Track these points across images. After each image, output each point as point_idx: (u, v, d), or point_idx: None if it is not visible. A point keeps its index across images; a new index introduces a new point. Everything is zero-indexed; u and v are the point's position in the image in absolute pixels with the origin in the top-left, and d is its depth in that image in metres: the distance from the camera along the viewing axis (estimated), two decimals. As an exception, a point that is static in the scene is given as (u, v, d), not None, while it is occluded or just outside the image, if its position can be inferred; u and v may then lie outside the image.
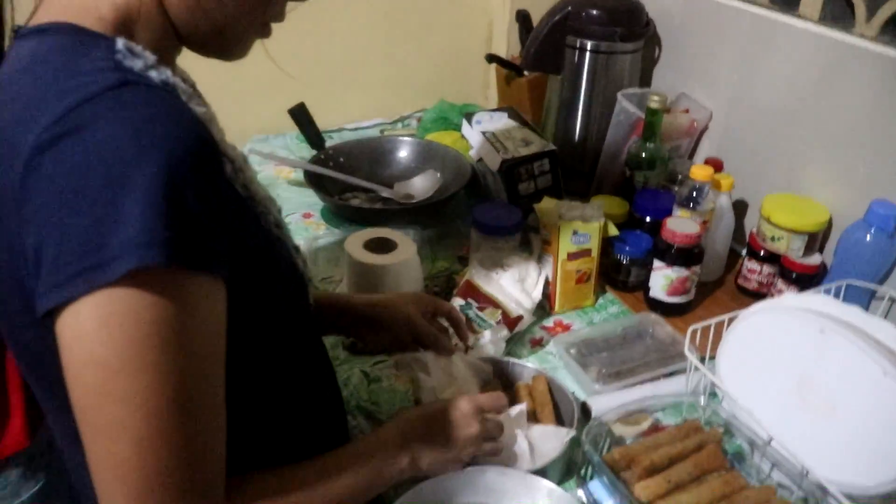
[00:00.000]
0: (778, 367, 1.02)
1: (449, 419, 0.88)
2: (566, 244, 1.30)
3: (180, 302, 0.60)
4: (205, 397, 0.63)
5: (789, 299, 1.08)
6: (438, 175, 1.70)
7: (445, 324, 1.12)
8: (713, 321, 1.12)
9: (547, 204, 1.33)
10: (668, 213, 1.38)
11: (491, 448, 0.92)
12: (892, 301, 1.23)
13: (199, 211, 0.60)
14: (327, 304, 1.03)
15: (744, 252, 1.44)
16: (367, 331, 1.07)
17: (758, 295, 1.40)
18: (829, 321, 0.98)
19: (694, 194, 1.35)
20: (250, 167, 0.79)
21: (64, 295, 0.57)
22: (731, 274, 1.48)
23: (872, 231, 1.22)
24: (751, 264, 1.40)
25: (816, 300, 1.06)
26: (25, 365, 0.73)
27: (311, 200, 1.68)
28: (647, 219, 1.43)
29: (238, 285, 0.67)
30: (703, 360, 1.12)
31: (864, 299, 1.25)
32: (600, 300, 1.41)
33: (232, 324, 0.67)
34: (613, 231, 1.35)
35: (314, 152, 1.77)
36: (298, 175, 1.71)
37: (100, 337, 0.57)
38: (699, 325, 1.11)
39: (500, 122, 1.61)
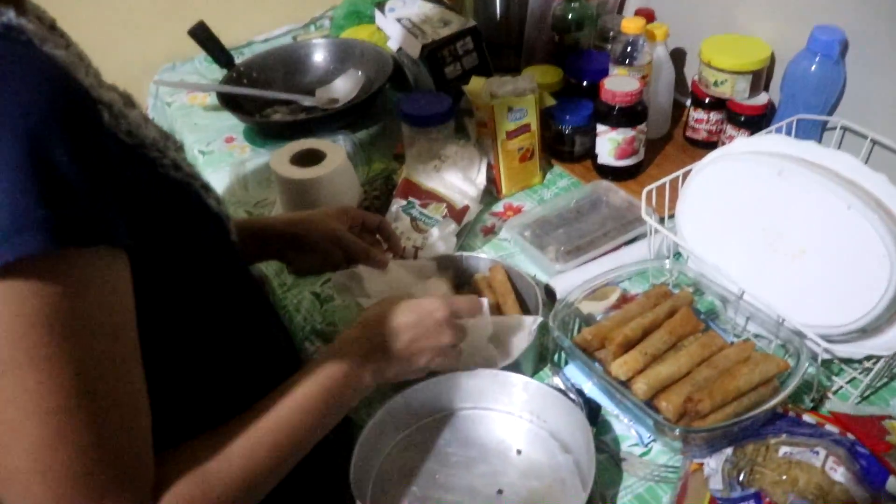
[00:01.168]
0: (739, 217, 0.96)
1: (421, 325, 0.80)
2: (503, 123, 1.21)
3: (68, 285, 0.51)
4: (114, 382, 0.54)
5: (741, 144, 1.01)
6: (360, 73, 1.58)
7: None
8: (667, 179, 1.06)
9: (476, 84, 1.23)
10: (605, 73, 1.29)
11: (454, 356, 0.86)
12: (843, 130, 1.17)
13: (78, 175, 0.50)
14: (247, 233, 0.93)
15: (688, 102, 1.36)
16: (293, 253, 0.98)
17: (708, 145, 1.34)
18: (786, 161, 0.92)
19: (629, 49, 1.26)
20: (136, 108, 0.68)
21: None
22: (678, 127, 1.41)
23: (817, 59, 1.15)
24: (697, 114, 1.33)
25: (770, 141, 0.99)
26: None
27: (231, 123, 1.55)
28: (584, 83, 1.34)
29: (146, 246, 0.58)
30: (662, 220, 1.06)
31: (817, 132, 1.20)
32: (548, 176, 1.33)
33: (148, 288, 0.59)
34: (550, 101, 1.27)
35: (225, 72, 1.63)
36: (214, 99, 1.57)
37: None
38: (653, 186, 1.04)
39: (415, 6, 1.48)
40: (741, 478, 0.75)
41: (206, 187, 0.73)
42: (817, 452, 0.75)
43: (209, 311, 0.72)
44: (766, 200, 0.93)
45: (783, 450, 0.76)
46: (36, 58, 0.52)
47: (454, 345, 0.84)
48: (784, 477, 0.73)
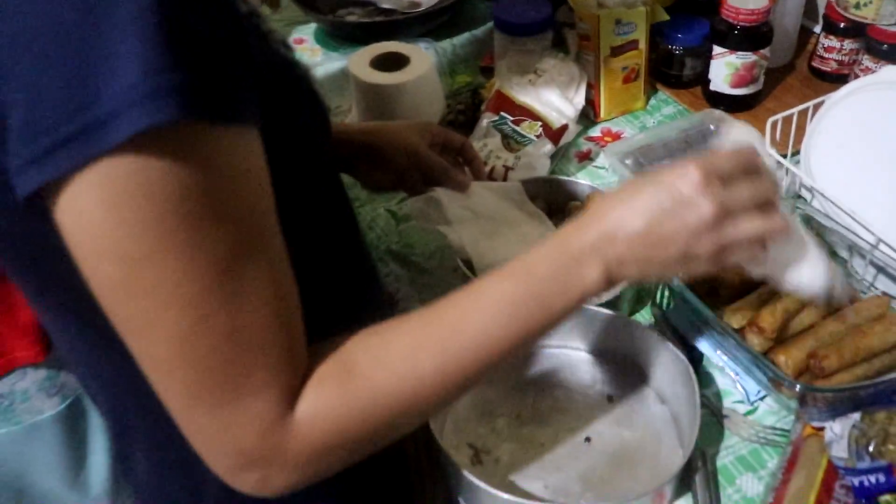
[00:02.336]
0: (882, 158, 0.89)
1: (664, 205, 0.58)
2: (608, 37, 1.14)
3: (204, 161, 0.47)
4: (255, 267, 0.51)
5: (890, 73, 0.93)
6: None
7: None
8: (795, 110, 0.99)
9: (582, -9, 1.16)
10: (728, -14, 1.20)
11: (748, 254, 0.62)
12: None
13: (212, 37, 0.46)
14: None
15: (817, 28, 1.27)
16: (366, 166, 0.93)
17: (838, 77, 1.25)
18: (946, 94, 0.85)
19: (758, -39, 1.17)
20: None
21: (48, 172, 0.44)
22: (802, 57, 1.32)
23: (981, -17, 1.05)
24: (828, 41, 1.24)
25: (923, 71, 0.92)
26: (10, 261, 0.59)
27: (301, 23, 1.51)
28: (702, -1, 1.26)
29: (266, 127, 0.54)
30: (784, 157, 0.99)
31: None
32: (652, 101, 1.27)
33: None
34: (663, 16, 1.19)
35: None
36: (285, -2, 1.53)
37: (108, 223, 0.45)
38: (779, 116, 0.97)
39: None
40: (871, 448, 0.70)
41: (310, 70, 0.68)
42: (961, 425, 0.69)
43: (305, 214, 0.68)
44: (918, 139, 0.86)
45: (921, 420, 0.71)
46: None
47: (723, 217, 0.58)
48: (922, 451, 0.69)
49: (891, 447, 0.70)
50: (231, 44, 0.48)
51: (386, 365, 0.55)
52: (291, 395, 0.53)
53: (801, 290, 0.67)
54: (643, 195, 0.59)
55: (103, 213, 0.45)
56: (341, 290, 0.77)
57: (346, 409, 0.54)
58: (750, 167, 0.61)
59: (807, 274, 0.66)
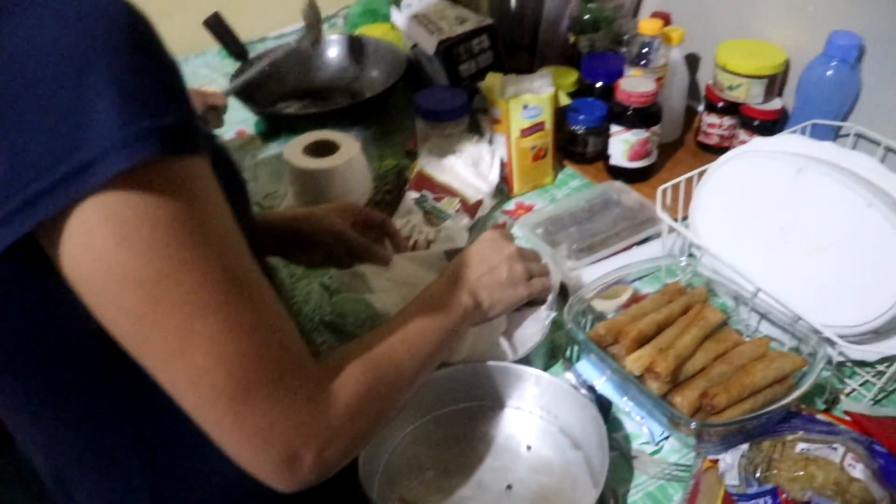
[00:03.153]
0: (756, 216, 0.95)
1: (482, 252, 0.86)
2: (517, 120, 1.20)
3: (189, 188, 0.51)
4: (252, 275, 0.56)
5: (759, 144, 1.00)
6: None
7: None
8: (682, 178, 1.05)
9: (492, 80, 1.22)
10: (620, 74, 1.28)
11: (542, 285, 0.90)
12: (857, 137, 1.16)
13: (172, 86, 0.51)
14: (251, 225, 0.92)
15: (700, 107, 1.35)
16: (294, 248, 0.98)
17: (720, 150, 1.32)
18: (805, 160, 0.91)
19: (644, 51, 1.25)
20: None
21: (38, 215, 0.47)
22: (690, 132, 1.40)
23: (833, 64, 1.14)
24: (710, 118, 1.32)
25: (787, 141, 0.99)
26: None
27: (244, 116, 1.54)
28: (598, 84, 1.33)
29: None
30: (675, 221, 1.04)
31: (830, 138, 1.18)
32: (560, 176, 1.32)
33: None
34: (565, 100, 1.26)
35: (237, 65, 1.62)
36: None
37: (121, 252, 0.48)
38: (668, 184, 1.03)
39: (431, 3, 1.48)
40: (757, 474, 0.73)
41: (227, 147, 0.72)
42: (835, 448, 0.73)
43: None
44: (784, 198, 0.92)
45: (800, 446, 0.75)
46: None
47: (531, 275, 0.88)
48: (801, 473, 0.72)
49: (774, 471, 0.73)
50: (184, 88, 0.52)
51: (378, 351, 0.68)
52: (321, 370, 0.60)
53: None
54: (476, 248, 0.86)
55: (114, 245, 0.48)
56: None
57: (360, 373, 0.64)
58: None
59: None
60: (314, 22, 1.46)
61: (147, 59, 0.49)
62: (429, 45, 1.36)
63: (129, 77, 0.47)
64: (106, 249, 0.48)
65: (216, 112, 1.30)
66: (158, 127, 0.48)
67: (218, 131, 1.50)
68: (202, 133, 0.53)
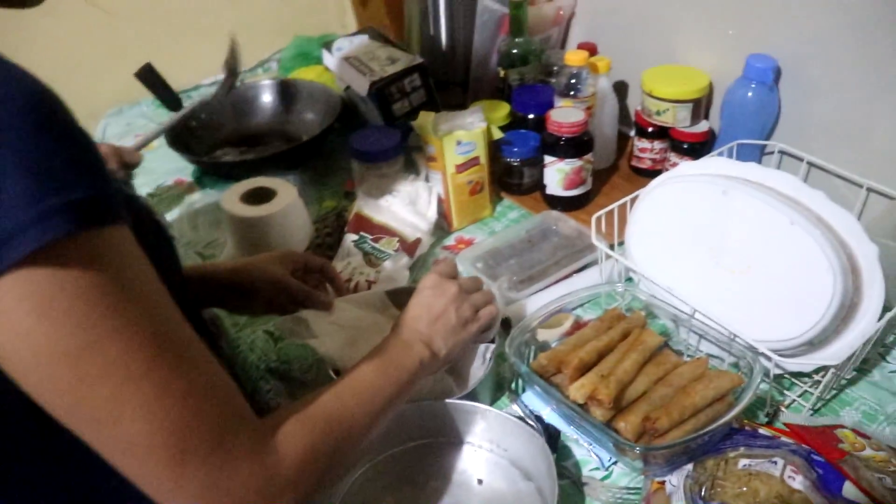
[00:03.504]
0: (687, 238, 0.97)
1: (427, 300, 0.86)
2: (452, 157, 1.21)
3: (109, 259, 0.51)
4: (183, 336, 0.56)
5: (686, 168, 1.03)
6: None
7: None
8: (615, 205, 1.07)
9: (424, 118, 1.23)
10: (550, 105, 1.31)
11: (489, 314, 0.90)
12: (781, 154, 1.20)
13: (83, 158, 0.50)
14: (189, 277, 0.91)
15: (632, 133, 1.39)
16: (235, 299, 0.97)
17: (653, 173, 1.36)
18: (730, 181, 0.94)
19: (573, 81, 1.28)
20: None
21: None
22: (624, 157, 1.43)
23: (753, 86, 1.18)
24: (641, 143, 1.35)
25: (713, 164, 1.01)
26: None
27: (180, 164, 1.53)
28: (530, 116, 1.35)
29: None
30: (612, 246, 1.07)
31: (756, 156, 1.22)
32: (498, 208, 1.34)
33: None
34: (498, 134, 1.27)
35: (173, 115, 1.61)
36: (162, 141, 1.55)
37: (42, 328, 0.48)
38: (602, 212, 1.05)
39: (362, 44, 1.49)
40: (703, 493, 0.74)
41: (152, 206, 0.72)
42: (775, 462, 0.75)
43: None
44: (712, 220, 0.94)
45: (742, 462, 0.76)
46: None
47: (469, 289, 0.89)
48: (745, 489, 0.73)
49: (719, 489, 0.74)
50: (98, 160, 0.52)
51: (325, 408, 0.67)
52: (263, 426, 0.59)
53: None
54: (421, 298, 0.86)
55: (34, 321, 0.48)
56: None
57: (306, 427, 0.63)
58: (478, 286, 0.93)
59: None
60: (232, 70, 1.46)
61: (54, 136, 0.49)
62: (361, 86, 1.37)
63: (36, 156, 0.47)
64: (27, 326, 0.48)
65: (127, 170, 1.29)
66: (69, 202, 0.48)
67: (151, 180, 1.49)
68: (122, 197, 0.53)
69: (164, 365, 0.52)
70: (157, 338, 0.52)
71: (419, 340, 0.81)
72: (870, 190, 1.08)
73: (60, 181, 0.48)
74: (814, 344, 0.90)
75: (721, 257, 0.94)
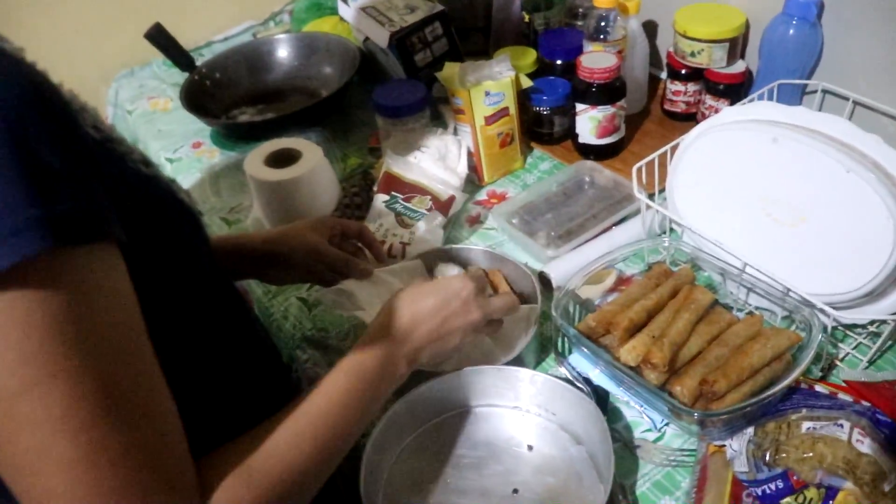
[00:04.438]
0: (735, 189, 0.93)
1: (449, 306, 0.76)
2: (480, 108, 1.16)
3: (72, 288, 0.45)
4: (137, 386, 0.50)
5: (730, 114, 0.97)
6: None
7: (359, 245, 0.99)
8: (656, 154, 1.02)
9: (450, 70, 1.18)
10: (579, 51, 1.25)
11: (491, 330, 0.83)
12: (824, 93, 1.14)
13: (65, 168, 0.45)
14: (221, 249, 0.88)
15: (663, 75, 1.33)
16: (272, 271, 0.93)
17: (687, 117, 1.30)
18: (780, 128, 0.89)
19: (602, 24, 1.22)
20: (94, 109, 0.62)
21: None
22: (655, 101, 1.37)
23: (794, 22, 1.12)
24: (674, 86, 1.29)
25: (758, 109, 0.96)
26: None
27: (198, 127, 1.49)
28: (558, 62, 1.30)
29: (130, 246, 0.53)
30: (651, 197, 1.02)
31: (797, 97, 1.17)
32: (529, 159, 1.29)
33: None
34: (527, 82, 1.22)
35: (186, 75, 1.56)
36: (178, 103, 1.50)
37: None
38: (643, 162, 1.00)
39: (379, -7, 1.43)
40: (767, 458, 0.72)
41: (175, 182, 0.67)
42: (841, 425, 0.72)
43: (189, 321, 0.66)
44: (762, 169, 0.90)
45: (806, 425, 0.73)
46: None
47: (484, 322, 0.80)
48: (810, 454, 0.70)
49: (783, 455, 0.71)
50: (84, 171, 0.47)
51: (275, 455, 0.59)
52: (200, 486, 0.53)
53: None
54: (434, 298, 0.75)
55: None
56: (248, 387, 0.75)
57: (245, 484, 0.56)
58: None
59: None
60: None
61: (41, 151, 0.44)
62: (381, 37, 1.31)
63: (20, 159, 0.43)
64: None
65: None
66: (41, 217, 0.43)
67: (168, 144, 1.45)
68: (105, 215, 0.49)
69: (104, 421, 0.47)
70: (107, 388, 0.47)
71: (405, 357, 0.73)
72: (921, 129, 1.03)
73: (33, 193, 0.43)
74: (872, 295, 0.86)
75: (771, 209, 0.90)
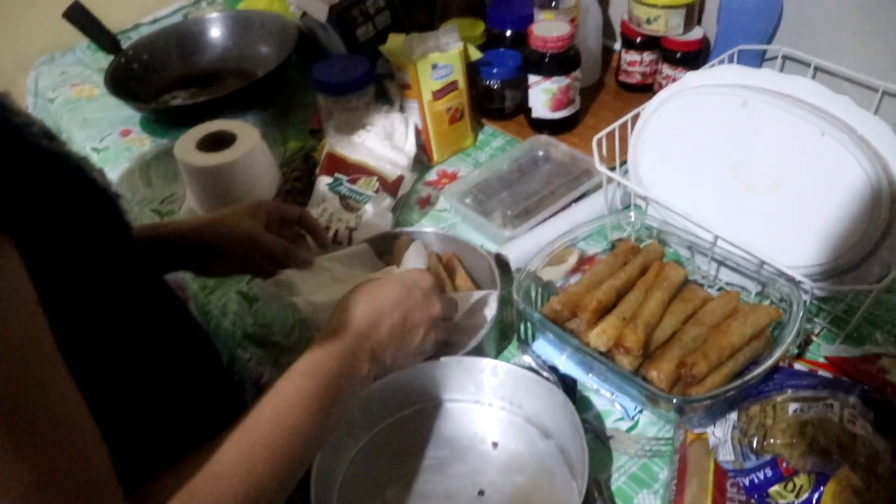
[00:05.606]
0: (703, 157, 0.86)
1: (411, 298, 0.70)
2: (428, 82, 1.08)
3: None
4: (45, 406, 0.41)
5: (692, 79, 0.91)
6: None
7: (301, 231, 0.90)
8: (616, 125, 0.95)
9: (394, 42, 1.09)
10: (530, 19, 1.17)
11: (445, 329, 0.77)
12: (784, 59, 1.09)
13: None
14: (147, 238, 0.78)
15: (617, 46, 1.26)
16: (205, 261, 0.84)
17: (643, 87, 1.24)
18: (749, 91, 0.82)
19: (553, -8, 1.14)
20: None
21: None
22: (609, 74, 1.31)
23: (753, -16, 1.05)
24: (629, 56, 1.22)
25: (721, 72, 0.89)
26: None
27: (126, 114, 1.38)
28: (508, 33, 1.22)
29: (31, 233, 0.43)
30: (612, 170, 0.95)
31: (757, 63, 1.11)
32: (480, 136, 1.21)
33: (44, 287, 0.44)
34: (476, 54, 1.14)
35: (111, 58, 1.44)
36: (103, 90, 1.38)
37: None
38: (603, 133, 0.93)
39: (315, -34, 1.33)
40: (754, 445, 0.65)
41: (86, 160, 0.57)
42: (831, 406, 0.66)
43: (112, 320, 0.57)
44: (731, 135, 0.83)
45: (792, 407, 0.67)
46: None
47: (443, 317, 0.75)
48: (800, 438, 0.64)
49: (771, 440, 0.65)
50: None
51: (223, 477, 0.51)
52: None
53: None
54: (394, 290, 0.69)
55: None
56: (185, 394, 0.66)
57: None
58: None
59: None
60: None
61: None
62: (319, 11, 1.21)
63: None
64: None
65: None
66: None
67: (94, 133, 1.34)
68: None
69: (7, 453, 0.38)
70: (6, 412, 0.38)
71: (368, 353, 0.66)
72: (885, 93, 0.97)
73: None
74: (850, 266, 0.80)
75: (742, 176, 0.83)
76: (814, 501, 0.62)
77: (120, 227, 0.59)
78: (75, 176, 0.54)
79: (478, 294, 0.83)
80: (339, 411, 0.63)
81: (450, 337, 0.79)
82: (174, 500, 0.48)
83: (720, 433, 0.68)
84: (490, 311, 0.82)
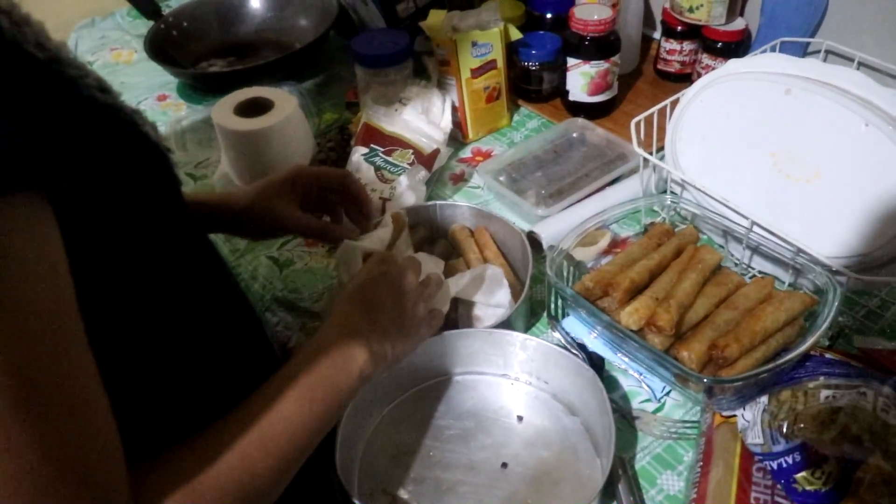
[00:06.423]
0: (743, 144, 0.85)
1: (394, 290, 0.68)
2: (467, 59, 1.07)
3: None
4: (57, 377, 0.40)
5: (734, 66, 0.90)
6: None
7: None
8: (655, 109, 0.94)
9: (435, 18, 1.09)
10: (570, 4, 1.16)
11: (440, 318, 0.74)
12: (828, 53, 1.07)
13: None
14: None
15: (657, 34, 1.25)
16: (241, 231, 0.85)
17: (681, 77, 1.23)
18: (792, 79, 0.81)
19: (596, -25, 1.13)
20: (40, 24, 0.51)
21: None
22: (648, 63, 1.29)
23: (800, -24, 1.04)
24: (669, 44, 1.21)
25: (765, 61, 0.88)
26: None
27: (164, 79, 1.38)
28: (548, 16, 1.22)
29: (77, 191, 0.43)
30: (650, 155, 0.94)
31: (799, 56, 1.09)
32: (516, 117, 1.21)
33: (82, 246, 0.44)
34: (516, 34, 1.14)
35: (151, 24, 1.44)
36: (142, 54, 1.39)
37: None
38: (641, 117, 0.92)
39: (358, -60, 1.32)
40: (784, 429, 0.65)
41: (139, 113, 0.57)
42: (864, 394, 0.65)
43: (160, 271, 0.57)
44: (773, 123, 0.82)
45: (824, 393, 0.66)
46: None
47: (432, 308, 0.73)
48: (832, 424, 0.63)
49: (801, 425, 0.64)
50: (4, 103, 0.37)
51: (221, 468, 0.50)
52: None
53: None
54: (368, 282, 0.68)
55: None
56: (225, 351, 0.66)
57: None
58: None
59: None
60: None
61: None
62: (361, -16, 1.21)
63: None
64: None
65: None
66: None
67: (132, 97, 1.34)
68: (32, 157, 0.39)
69: (16, 420, 0.37)
70: (17, 381, 0.37)
71: (362, 346, 0.62)
72: (930, 89, 0.96)
73: None
74: (888, 259, 0.79)
75: (783, 164, 0.82)
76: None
77: (170, 181, 0.59)
78: (128, 129, 0.53)
79: (500, 271, 0.82)
80: (338, 402, 0.60)
81: (442, 306, 0.76)
82: (175, 487, 0.47)
83: (749, 416, 0.68)
84: (522, 288, 0.82)
